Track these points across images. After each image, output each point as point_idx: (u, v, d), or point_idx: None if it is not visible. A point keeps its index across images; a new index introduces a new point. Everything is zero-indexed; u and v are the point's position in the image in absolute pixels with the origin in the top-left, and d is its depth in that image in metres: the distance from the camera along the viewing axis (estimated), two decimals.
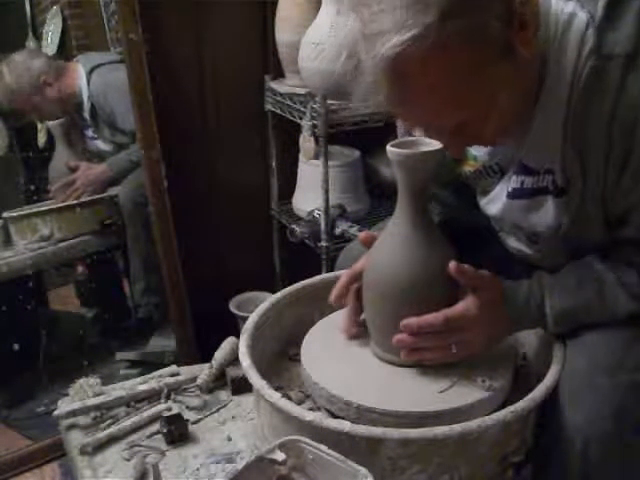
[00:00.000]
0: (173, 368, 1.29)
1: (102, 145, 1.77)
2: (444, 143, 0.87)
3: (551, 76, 0.83)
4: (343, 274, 1.02)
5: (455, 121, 0.80)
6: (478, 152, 0.98)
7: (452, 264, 0.89)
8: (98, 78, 1.69)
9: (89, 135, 1.77)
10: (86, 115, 1.72)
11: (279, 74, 1.73)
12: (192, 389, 1.23)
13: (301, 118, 1.57)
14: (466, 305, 0.89)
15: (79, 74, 1.70)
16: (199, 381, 1.23)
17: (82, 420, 1.16)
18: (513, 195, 0.95)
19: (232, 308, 1.72)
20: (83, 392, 1.19)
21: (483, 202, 1.03)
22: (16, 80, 1.64)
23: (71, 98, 1.70)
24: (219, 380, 1.25)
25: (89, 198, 1.75)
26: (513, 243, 1.04)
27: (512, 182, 0.94)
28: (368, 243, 1.00)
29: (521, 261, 1.05)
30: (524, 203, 0.94)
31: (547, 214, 0.92)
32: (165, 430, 1.10)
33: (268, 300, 1.12)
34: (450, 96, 0.76)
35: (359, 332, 1.02)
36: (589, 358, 0.88)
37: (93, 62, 1.70)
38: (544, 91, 0.84)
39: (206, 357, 1.29)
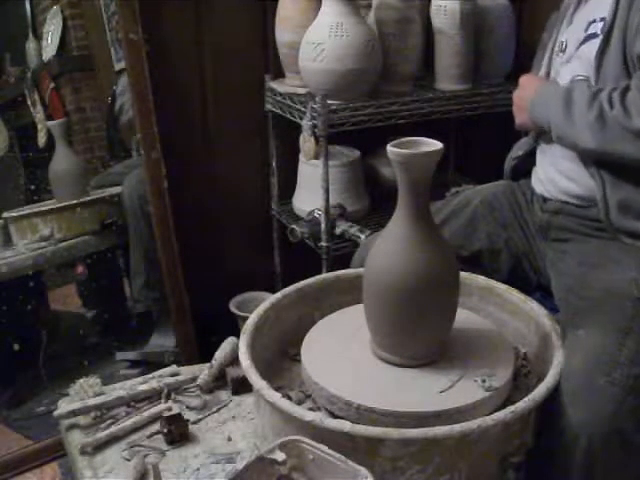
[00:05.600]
0: (173, 368, 1.29)
1: None
2: None
3: None
4: None
5: None
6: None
7: None
8: None
9: None
10: None
11: (279, 74, 1.73)
12: (192, 389, 1.23)
13: (301, 118, 1.57)
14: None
15: None
16: (199, 381, 1.23)
17: (82, 420, 1.16)
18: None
19: (232, 308, 1.72)
20: (83, 392, 1.19)
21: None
22: None
23: None
24: (219, 380, 1.25)
25: (89, 198, 1.75)
26: (568, 75, 1.22)
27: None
28: None
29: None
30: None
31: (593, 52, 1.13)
32: (165, 430, 1.10)
33: (268, 300, 1.12)
34: None
35: None
36: (584, 357, 0.90)
37: None
38: None
39: (206, 357, 1.28)
